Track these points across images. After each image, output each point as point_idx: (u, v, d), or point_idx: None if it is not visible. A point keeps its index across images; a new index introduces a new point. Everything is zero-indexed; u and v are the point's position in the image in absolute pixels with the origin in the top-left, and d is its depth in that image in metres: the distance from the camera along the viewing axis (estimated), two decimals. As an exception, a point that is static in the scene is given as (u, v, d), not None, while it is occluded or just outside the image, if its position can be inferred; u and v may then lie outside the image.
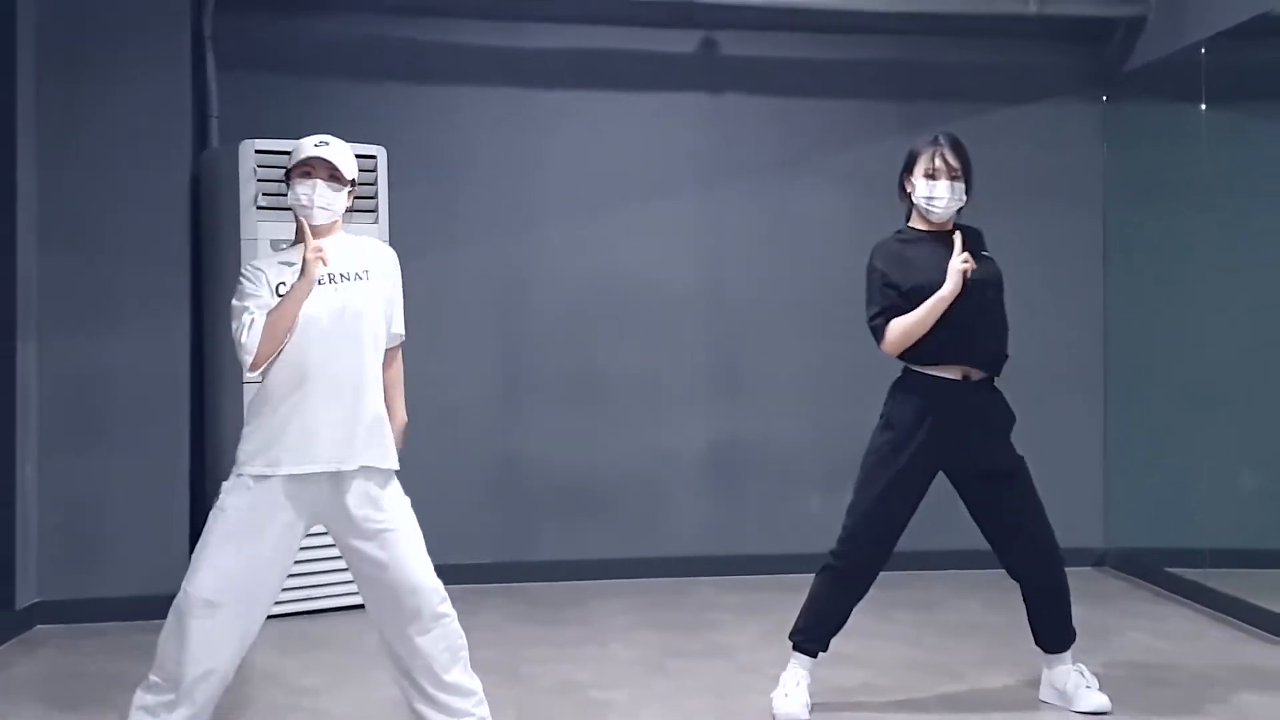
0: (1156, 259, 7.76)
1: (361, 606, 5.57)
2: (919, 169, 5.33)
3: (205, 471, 7.19)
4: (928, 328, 5.13)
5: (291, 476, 4.39)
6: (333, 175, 4.60)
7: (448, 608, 4.54)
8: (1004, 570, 5.49)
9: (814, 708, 5.19)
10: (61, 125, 6.78)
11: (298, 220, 4.56)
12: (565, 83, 7.85)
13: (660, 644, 6.36)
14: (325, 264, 4.46)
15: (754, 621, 6.73)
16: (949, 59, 8.13)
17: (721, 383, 8.02)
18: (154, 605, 6.69)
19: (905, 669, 5.91)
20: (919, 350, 5.21)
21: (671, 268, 7.96)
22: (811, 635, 5.26)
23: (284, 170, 4.67)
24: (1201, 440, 7.19)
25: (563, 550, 7.80)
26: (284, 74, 7.55)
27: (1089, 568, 8.07)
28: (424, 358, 7.57)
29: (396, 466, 4.60)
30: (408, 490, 6.95)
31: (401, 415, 4.81)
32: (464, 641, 4.57)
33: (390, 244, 6.93)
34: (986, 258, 5.40)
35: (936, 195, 5.30)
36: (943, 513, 7.91)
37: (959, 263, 5.13)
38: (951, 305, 5.12)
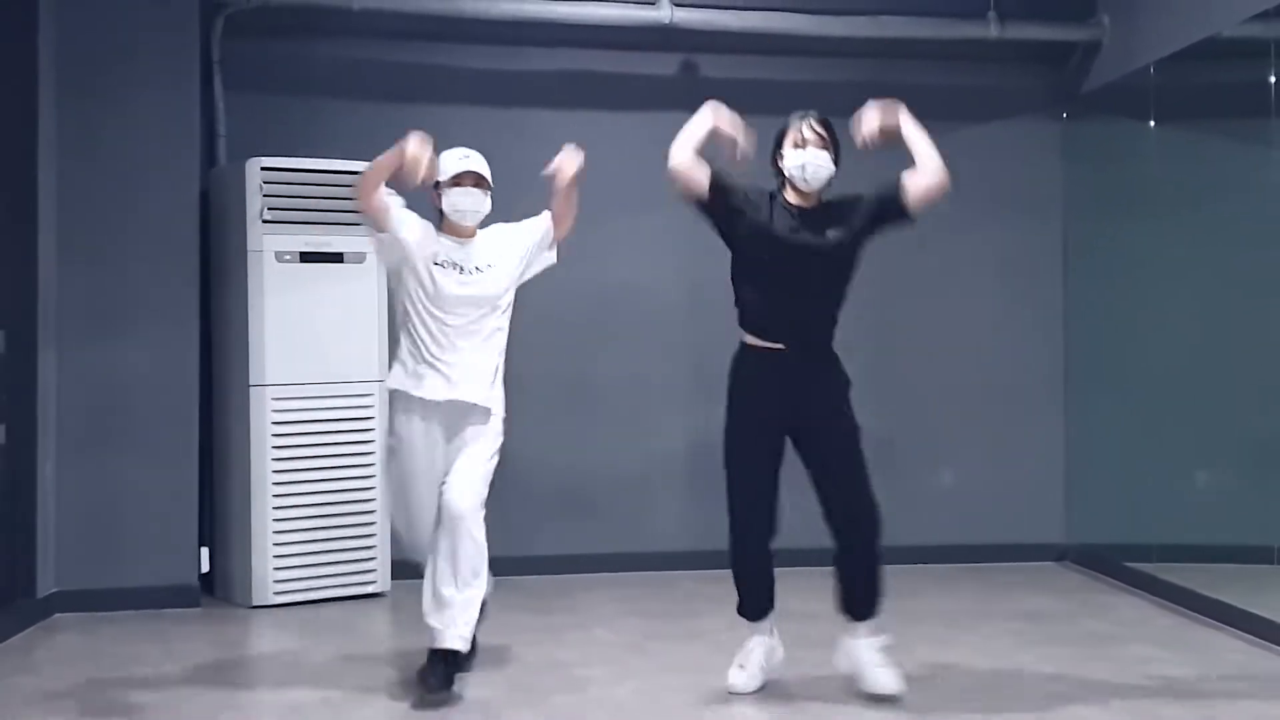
0: (1113, 268, 8.01)
1: (368, 596, 6.12)
2: (788, 140, 5.56)
3: (214, 470, 7.51)
4: (686, 147, 5.56)
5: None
6: (477, 183, 5.66)
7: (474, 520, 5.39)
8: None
9: (775, 682, 5.59)
10: (79, 144, 7.09)
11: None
12: (554, 103, 8.12)
13: (641, 629, 6.73)
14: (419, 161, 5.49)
15: (732, 610, 7.00)
16: (916, 80, 8.28)
17: (703, 387, 8.16)
18: (165, 595, 7.15)
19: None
20: (746, 322, 5.60)
21: (655, 278, 8.26)
22: (746, 604, 5.61)
23: (434, 184, 5.67)
24: (1155, 441, 7.46)
25: (553, 546, 8.07)
26: (288, 95, 7.83)
27: (1051, 563, 8.41)
28: None
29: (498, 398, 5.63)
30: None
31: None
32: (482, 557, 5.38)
33: (388, 255, 7.30)
34: (836, 227, 5.54)
35: (805, 162, 5.50)
36: (907, 508, 8.31)
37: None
38: (777, 275, 5.47)
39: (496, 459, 5.58)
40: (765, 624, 5.63)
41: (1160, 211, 7.51)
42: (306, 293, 7.25)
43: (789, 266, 5.44)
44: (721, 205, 5.57)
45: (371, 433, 7.36)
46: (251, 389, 7.16)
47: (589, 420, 8.18)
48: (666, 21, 7.78)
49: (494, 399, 5.60)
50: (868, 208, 5.57)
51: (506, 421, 5.67)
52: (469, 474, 5.41)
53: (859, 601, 5.51)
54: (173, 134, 7.25)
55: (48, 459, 6.99)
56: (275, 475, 7.17)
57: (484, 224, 5.80)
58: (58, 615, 6.98)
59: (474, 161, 5.67)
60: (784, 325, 5.51)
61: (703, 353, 8.26)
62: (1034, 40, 8.28)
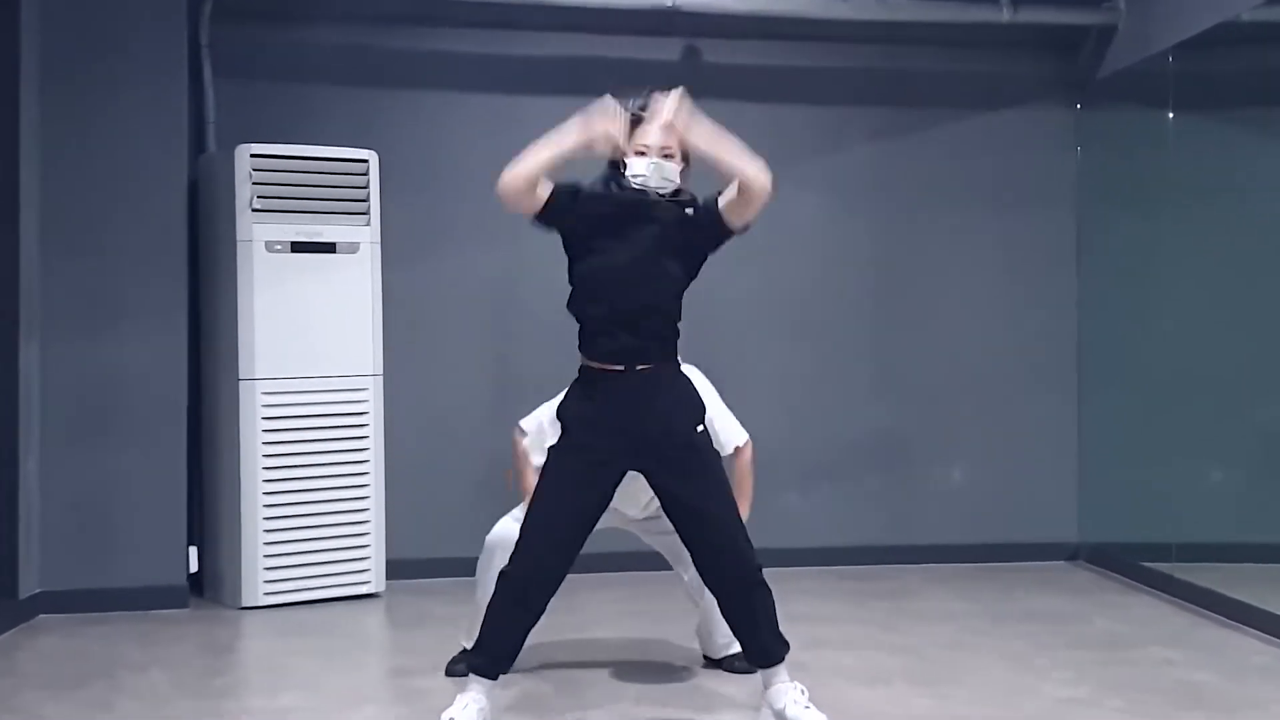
0: (1128, 260, 7.86)
1: (361, 597, 5.96)
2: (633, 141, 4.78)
3: (202, 467, 7.34)
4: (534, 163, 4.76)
5: None
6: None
7: None
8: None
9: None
10: (64, 131, 6.91)
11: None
12: (552, 89, 7.86)
13: (642, 629, 6.56)
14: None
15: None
16: (926, 67, 8.26)
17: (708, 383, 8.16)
18: (154, 595, 6.97)
19: (875, 650, 6.09)
20: (583, 343, 4.85)
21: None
22: (489, 653, 4.78)
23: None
24: (1171, 437, 7.30)
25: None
26: (278, 80, 7.66)
27: (1063, 562, 8.24)
28: (416, 360, 7.75)
29: None
30: (404, 487, 7.32)
31: None
32: None
33: (382, 247, 7.19)
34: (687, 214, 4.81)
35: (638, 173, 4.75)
36: (917, 506, 8.19)
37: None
38: (608, 289, 4.75)
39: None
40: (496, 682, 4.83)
41: (1177, 202, 7.35)
42: (298, 283, 7.07)
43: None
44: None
45: (366, 428, 7.21)
46: (241, 383, 7.00)
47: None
48: (669, 4, 7.60)
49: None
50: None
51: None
52: None
53: (763, 648, 4.81)
54: (160, 120, 7.07)
55: (30, 456, 6.82)
56: (266, 472, 7.00)
57: None
58: (41, 616, 6.80)
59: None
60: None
61: (700, 347, 8.08)
62: (1046, 24, 8.06)
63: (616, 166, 4.82)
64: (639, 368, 4.74)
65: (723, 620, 5.02)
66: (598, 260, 4.80)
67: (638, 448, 4.73)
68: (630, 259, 4.75)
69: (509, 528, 5.38)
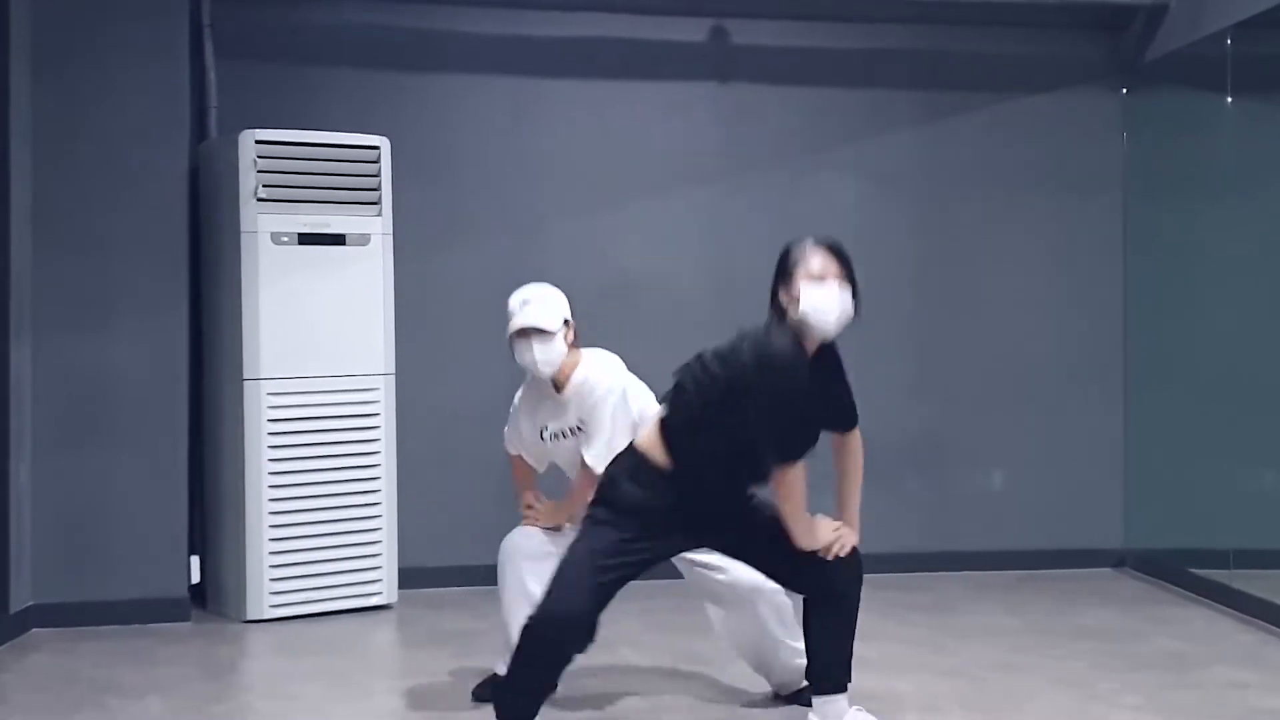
0: (1178, 252, 7.66)
1: (372, 609, 5.64)
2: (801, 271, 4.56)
3: (204, 472, 7.13)
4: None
5: None
6: (541, 333, 5.17)
7: None
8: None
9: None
10: (57, 116, 6.71)
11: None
12: (572, 72, 7.78)
13: (670, 647, 6.23)
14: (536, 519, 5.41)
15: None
16: (965, 48, 8.04)
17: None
18: (152, 609, 6.79)
19: (923, 672, 5.76)
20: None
21: (679, 260, 7.88)
22: (522, 706, 4.52)
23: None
24: (1224, 438, 7.09)
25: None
26: (285, 63, 7.48)
27: (1108, 569, 7.99)
28: (430, 358, 7.54)
29: None
30: (417, 492, 7.11)
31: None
32: None
33: (394, 237, 7.00)
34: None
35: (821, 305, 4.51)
36: (956, 511, 7.92)
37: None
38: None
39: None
40: None
41: (1231, 191, 7.14)
42: (305, 277, 6.86)
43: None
44: None
45: (376, 430, 7.00)
46: (245, 383, 6.78)
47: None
48: (697, -18, 7.36)
49: None
50: None
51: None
52: None
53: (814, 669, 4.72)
54: (159, 105, 6.88)
55: (22, 461, 6.58)
56: (271, 477, 6.79)
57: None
58: (34, 631, 6.55)
59: (530, 314, 5.19)
60: None
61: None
62: (1093, 3, 7.85)
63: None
64: None
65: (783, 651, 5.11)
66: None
67: None
68: None
69: (521, 537, 5.35)
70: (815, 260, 4.55)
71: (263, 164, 6.74)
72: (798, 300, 4.48)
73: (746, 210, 7.86)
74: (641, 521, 4.44)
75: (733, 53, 7.87)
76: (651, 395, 5.33)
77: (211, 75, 7.26)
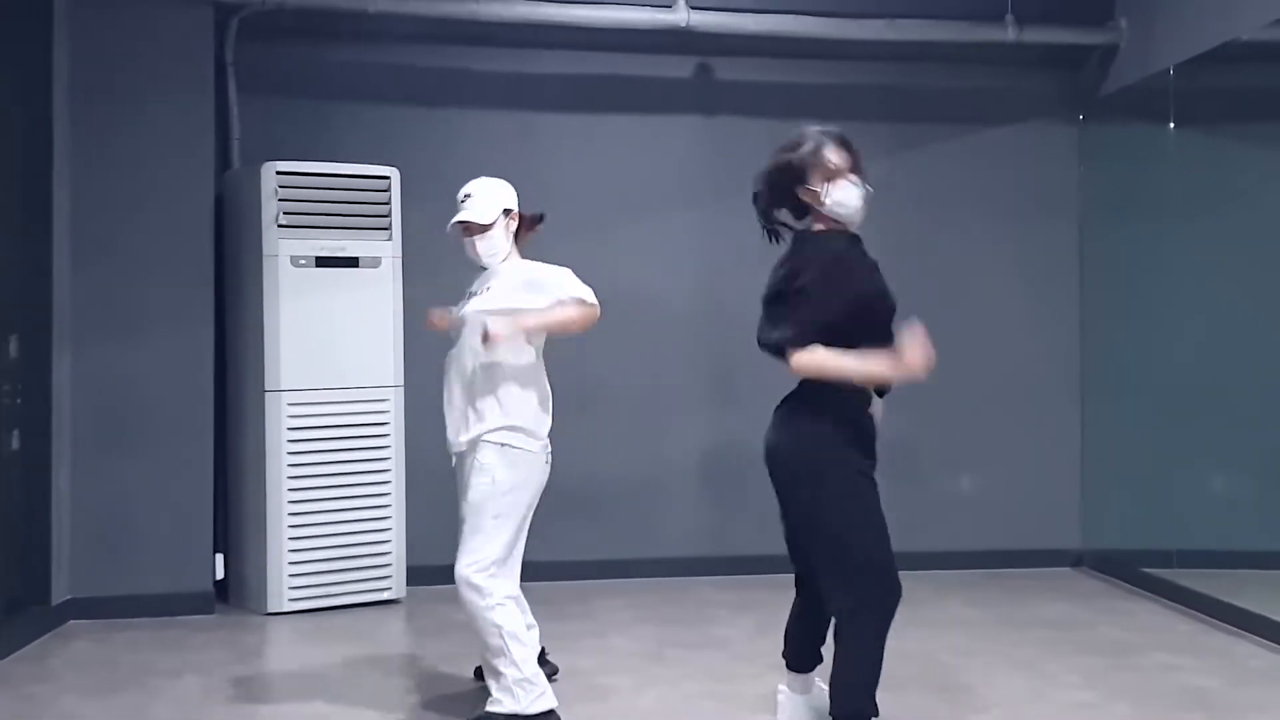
0: (1130, 271, 7.98)
1: (383, 603, 6.04)
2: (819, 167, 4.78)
3: (228, 476, 7.48)
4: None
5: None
6: (468, 231, 5.34)
7: (468, 592, 5.07)
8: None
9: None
10: (93, 148, 7.06)
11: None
12: (568, 106, 8.12)
13: (659, 636, 6.70)
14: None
15: (748, 616, 7.05)
16: (934, 84, 8.42)
17: (716, 392, 8.29)
18: (180, 601, 7.10)
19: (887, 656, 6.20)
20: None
21: (669, 282, 8.23)
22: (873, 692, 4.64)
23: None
24: (1172, 446, 7.43)
25: (567, 552, 7.97)
26: (303, 98, 7.81)
27: (1066, 568, 8.37)
28: (436, 371, 7.78)
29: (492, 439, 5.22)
30: (424, 496, 7.38)
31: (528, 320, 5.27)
32: (493, 630, 5.07)
33: (402, 261, 7.29)
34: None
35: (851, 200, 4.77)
36: (924, 514, 8.29)
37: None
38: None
39: (506, 512, 5.18)
40: None
41: (1178, 215, 7.48)
42: (321, 297, 7.22)
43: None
44: None
45: (387, 438, 7.34)
46: (267, 394, 7.13)
47: (602, 426, 8.13)
48: (683, 24, 7.75)
49: (483, 437, 5.23)
50: None
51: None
52: (466, 537, 5.20)
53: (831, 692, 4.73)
54: (186, 137, 7.22)
55: (61, 465, 6.97)
56: (290, 481, 7.14)
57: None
58: (71, 622, 6.94)
59: (467, 210, 5.38)
60: None
61: (717, 358, 8.27)
62: (1051, 44, 8.25)
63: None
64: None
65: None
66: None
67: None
68: None
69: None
70: (832, 155, 4.77)
71: (283, 192, 7.08)
72: (820, 195, 4.75)
73: (730, 234, 8.07)
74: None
75: (717, 88, 8.24)
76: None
77: (234, 110, 7.60)
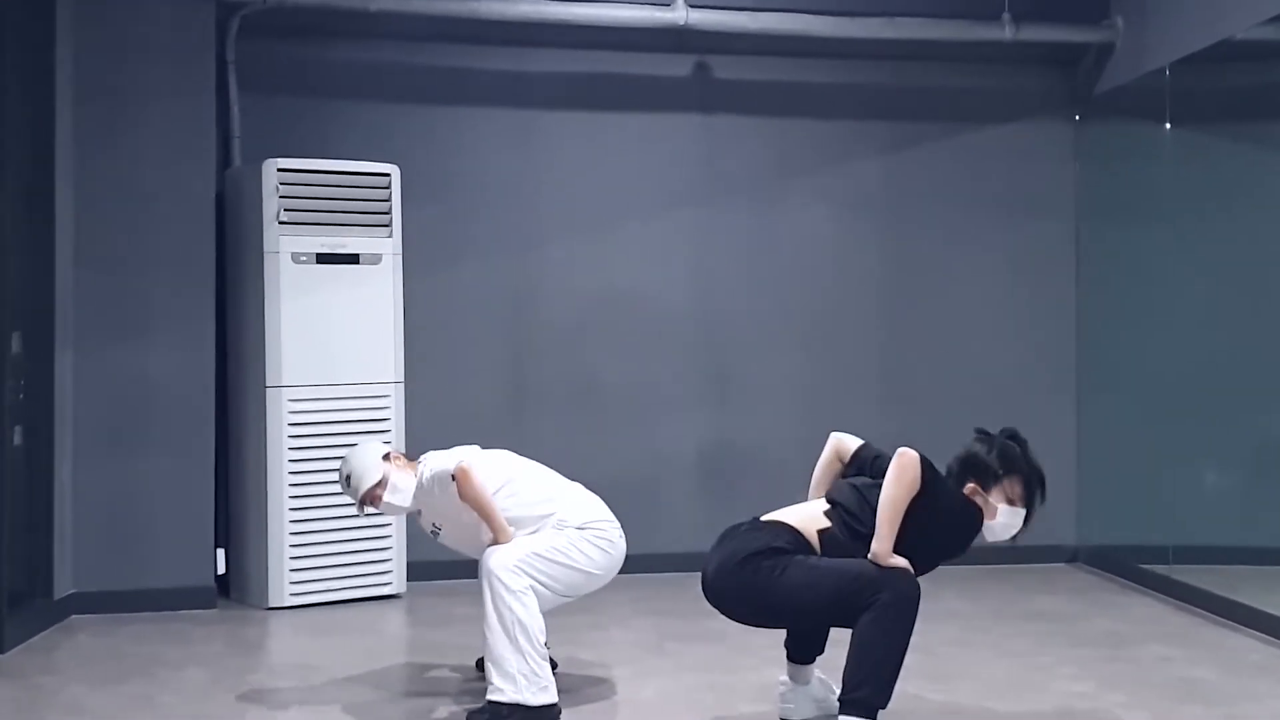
0: (1126, 269, 8.01)
1: (384, 598, 6.12)
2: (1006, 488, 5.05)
3: (230, 472, 7.51)
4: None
5: None
6: (377, 486, 5.50)
7: (500, 572, 5.14)
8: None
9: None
10: (95, 146, 7.10)
11: None
12: (567, 105, 8.15)
13: (658, 629, 6.76)
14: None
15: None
16: (929, 82, 8.47)
17: (713, 391, 8.34)
18: (182, 596, 7.15)
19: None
20: None
21: (666, 281, 8.26)
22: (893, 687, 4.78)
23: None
24: (1167, 444, 7.47)
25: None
26: (303, 96, 7.84)
27: (1062, 564, 8.41)
28: (436, 367, 7.89)
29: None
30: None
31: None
32: (507, 614, 5.12)
33: (403, 258, 7.35)
34: None
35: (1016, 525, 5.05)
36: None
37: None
38: None
39: (558, 549, 5.29)
40: None
41: (1174, 214, 7.51)
42: (323, 294, 7.26)
43: None
44: None
45: (388, 434, 7.35)
46: (268, 390, 7.17)
47: (598, 422, 8.17)
48: (681, 23, 7.79)
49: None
50: None
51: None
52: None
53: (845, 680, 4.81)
54: (188, 135, 7.27)
55: (65, 460, 7.00)
56: (292, 477, 7.18)
57: None
58: (74, 616, 6.98)
59: (353, 489, 5.61)
60: None
61: (712, 355, 8.31)
62: (1047, 42, 8.29)
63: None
64: None
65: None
66: None
67: None
68: None
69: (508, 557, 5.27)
70: (1019, 489, 5.03)
71: (284, 189, 7.12)
72: (991, 508, 5.00)
73: (727, 232, 8.29)
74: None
75: (714, 86, 8.28)
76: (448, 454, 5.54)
77: (235, 108, 7.62)
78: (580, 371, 8.18)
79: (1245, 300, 7.16)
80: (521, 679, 5.08)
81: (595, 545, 5.39)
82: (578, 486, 5.62)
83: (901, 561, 4.73)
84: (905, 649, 4.74)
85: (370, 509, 5.62)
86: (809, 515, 4.98)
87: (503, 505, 5.38)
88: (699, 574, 7.96)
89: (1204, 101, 7.43)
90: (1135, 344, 7.91)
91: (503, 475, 5.50)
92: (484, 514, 5.34)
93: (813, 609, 4.85)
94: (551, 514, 5.40)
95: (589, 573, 5.39)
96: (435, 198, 7.87)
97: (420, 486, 5.50)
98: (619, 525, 5.53)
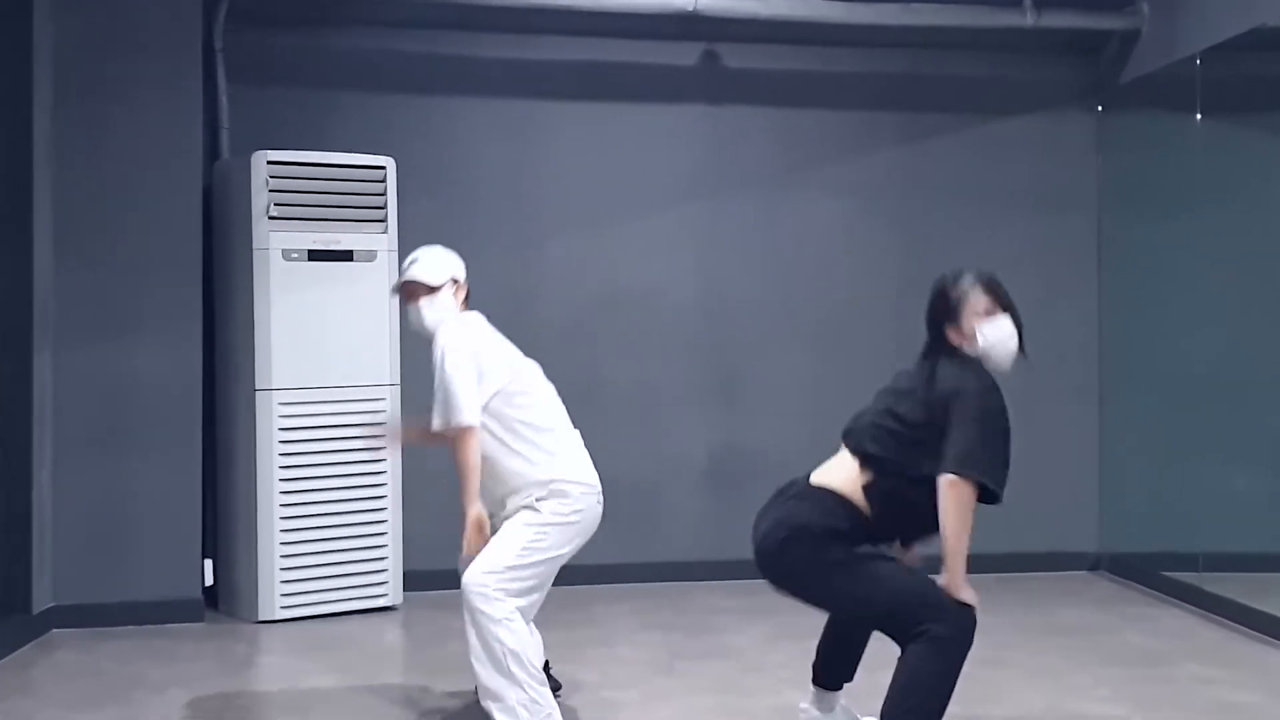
0: (1150, 265, 7.82)
1: (379, 610, 5.75)
2: (970, 308, 4.73)
3: (218, 479, 7.28)
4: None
5: None
6: (429, 289, 5.22)
7: (479, 602, 4.85)
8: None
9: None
10: (76, 137, 6.86)
11: None
12: (570, 94, 7.94)
13: (666, 646, 6.47)
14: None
15: (756, 624, 6.83)
16: (948, 71, 8.23)
17: (720, 391, 8.12)
18: (167, 609, 6.91)
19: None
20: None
21: (671, 277, 8.05)
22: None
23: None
24: (1195, 445, 7.26)
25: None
26: (294, 85, 7.63)
27: (1084, 572, 8.19)
28: (427, 366, 7.64)
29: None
30: (422, 498, 7.18)
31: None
32: (496, 646, 4.83)
33: (398, 255, 7.10)
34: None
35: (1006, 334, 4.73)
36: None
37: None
38: None
39: (528, 549, 4.96)
40: None
41: (1201, 207, 7.31)
42: (315, 292, 7.02)
43: None
44: None
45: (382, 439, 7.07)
46: (258, 394, 6.94)
47: (601, 425, 7.88)
48: (690, 9, 7.54)
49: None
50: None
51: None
52: (489, 548, 5.00)
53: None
54: (174, 127, 7.02)
55: (44, 467, 6.76)
56: (282, 484, 6.95)
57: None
58: (54, 631, 6.73)
59: (417, 269, 5.28)
60: None
61: (719, 354, 8.09)
62: (1069, 29, 8.03)
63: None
64: None
65: None
66: None
67: None
68: None
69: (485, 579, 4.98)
70: (981, 299, 4.72)
71: (274, 183, 6.89)
72: (973, 337, 4.68)
73: (736, 226, 8.06)
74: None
75: (723, 75, 8.05)
76: (508, 363, 5.25)
77: (224, 98, 7.40)
78: (582, 372, 7.92)
79: (1276, 296, 6.90)
80: (523, 710, 4.80)
81: (563, 523, 5.03)
82: (575, 435, 5.31)
83: (971, 597, 4.45)
84: (954, 686, 4.43)
85: (404, 302, 5.29)
86: (847, 475, 4.64)
87: (512, 411, 5.10)
88: (706, 583, 7.85)
89: (1237, 91, 7.18)
90: (1160, 342, 7.72)
91: (526, 382, 5.25)
92: (462, 474, 5.00)
93: (862, 616, 4.62)
94: (537, 464, 5.06)
95: (562, 554, 5.08)
96: (432, 192, 7.65)
97: (445, 339, 5.14)
98: (598, 489, 5.20)
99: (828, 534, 4.51)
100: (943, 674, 4.38)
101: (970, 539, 4.47)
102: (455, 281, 5.31)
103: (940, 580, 4.44)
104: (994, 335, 4.69)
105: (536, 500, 5.03)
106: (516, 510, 5.05)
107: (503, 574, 4.90)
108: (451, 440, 5.03)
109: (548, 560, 5.02)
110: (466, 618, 4.90)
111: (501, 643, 4.82)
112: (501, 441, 5.06)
